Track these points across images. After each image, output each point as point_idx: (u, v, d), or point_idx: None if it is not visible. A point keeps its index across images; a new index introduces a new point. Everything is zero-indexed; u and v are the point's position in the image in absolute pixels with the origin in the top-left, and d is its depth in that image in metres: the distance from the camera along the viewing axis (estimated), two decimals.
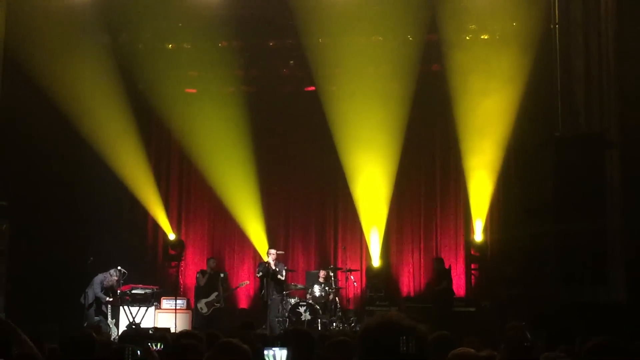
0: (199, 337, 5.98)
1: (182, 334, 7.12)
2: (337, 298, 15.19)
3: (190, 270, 16.82)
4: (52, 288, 14.33)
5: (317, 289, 14.97)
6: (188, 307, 15.22)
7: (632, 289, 11.84)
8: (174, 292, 15.14)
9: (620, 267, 12.09)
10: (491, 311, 14.38)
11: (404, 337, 2.78)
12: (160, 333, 9.45)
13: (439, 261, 15.65)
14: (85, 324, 13.75)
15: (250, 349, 4.20)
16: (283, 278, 14.95)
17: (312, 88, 16.40)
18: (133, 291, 14.57)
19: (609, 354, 4.13)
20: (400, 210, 16.76)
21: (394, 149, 15.92)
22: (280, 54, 16.47)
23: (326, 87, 16.05)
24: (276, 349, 4.57)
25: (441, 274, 15.29)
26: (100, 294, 14.39)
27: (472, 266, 16.35)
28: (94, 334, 6.49)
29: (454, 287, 15.89)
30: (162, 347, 6.14)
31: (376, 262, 16.36)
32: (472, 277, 16.30)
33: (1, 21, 14.32)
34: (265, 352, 4.60)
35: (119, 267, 14.45)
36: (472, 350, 5.11)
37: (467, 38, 15.30)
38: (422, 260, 16.55)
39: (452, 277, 15.88)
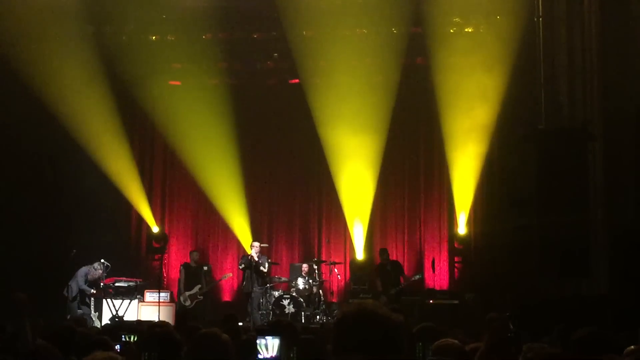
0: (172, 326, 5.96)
1: (156, 324, 7.11)
2: (320, 291, 15.19)
3: (174, 263, 16.79)
4: (35, 281, 14.23)
5: (300, 282, 14.97)
6: (171, 300, 15.16)
7: (615, 281, 11.91)
8: (158, 285, 15.07)
9: (603, 259, 12.16)
10: (475, 303, 14.41)
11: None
12: (142, 326, 9.41)
13: (384, 252, 15.44)
14: (68, 317, 13.68)
15: (238, 341, 4.19)
16: (265, 270, 14.93)
17: (297, 81, 16.37)
18: (116, 284, 14.54)
19: (597, 344, 4.16)
20: (384, 203, 16.78)
21: (378, 142, 15.93)
22: (265, 46, 16.43)
23: (310, 79, 16.02)
24: (269, 338, 4.58)
25: (395, 269, 15.15)
26: (85, 287, 14.34)
27: (456, 259, 16.38)
28: (74, 326, 6.46)
29: (438, 280, 15.94)
30: (135, 339, 6.13)
31: (360, 255, 16.36)
32: (456, 269, 16.33)
33: None
34: (258, 341, 4.60)
35: (102, 260, 14.40)
36: (457, 341, 5.13)
37: (452, 31, 15.31)
38: (405, 253, 16.57)
39: (436, 269, 15.93)
